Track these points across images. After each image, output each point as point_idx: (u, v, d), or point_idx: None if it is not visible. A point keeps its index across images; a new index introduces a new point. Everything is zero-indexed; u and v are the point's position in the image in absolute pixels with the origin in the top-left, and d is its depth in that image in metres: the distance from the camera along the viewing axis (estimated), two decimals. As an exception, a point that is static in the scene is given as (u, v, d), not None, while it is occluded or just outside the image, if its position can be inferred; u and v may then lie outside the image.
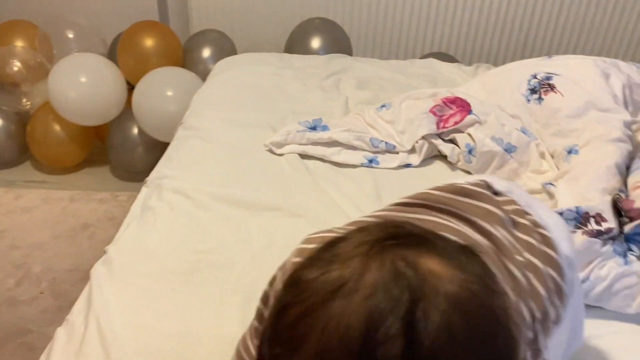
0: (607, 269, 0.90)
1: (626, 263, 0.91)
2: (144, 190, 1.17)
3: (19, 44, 2.28)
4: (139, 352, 0.77)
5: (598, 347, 0.85)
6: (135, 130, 2.21)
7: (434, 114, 1.23)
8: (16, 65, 2.16)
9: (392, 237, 0.44)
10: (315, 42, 2.30)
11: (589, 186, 0.96)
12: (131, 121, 2.20)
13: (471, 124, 1.19)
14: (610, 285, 0.89)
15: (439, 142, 1.21)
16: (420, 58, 2.40)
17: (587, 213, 0.92)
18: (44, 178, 2.30)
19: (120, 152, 2.25)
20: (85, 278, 0.94)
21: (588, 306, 0.91)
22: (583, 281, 0.89)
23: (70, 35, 2.29)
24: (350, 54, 2.34)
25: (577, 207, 0.92)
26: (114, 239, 1.04)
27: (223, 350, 0.79)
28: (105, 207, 2.10)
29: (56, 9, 2.42)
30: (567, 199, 0.94)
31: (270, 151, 1.25)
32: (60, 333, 0.83)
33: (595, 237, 0.90)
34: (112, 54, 2.30)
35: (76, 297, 0.91)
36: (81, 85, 2.08)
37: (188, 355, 0.78)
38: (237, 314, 0.84)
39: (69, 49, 2.28)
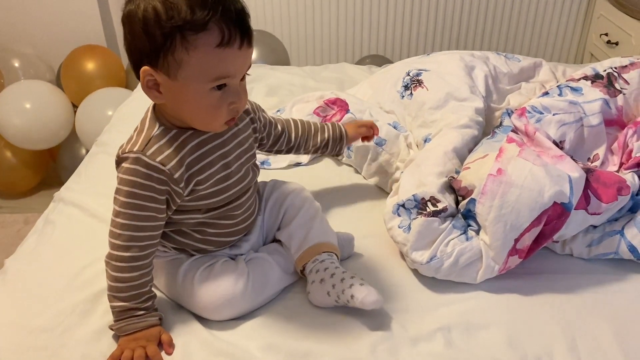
0: (452, 245, 0.99)
1: (467, 239, 0.99)
2: (51, 205, 1.26)
3: (-32, 76, 2.38)
4: (9, 348, 0.86)
5: (457, 311, 0.94)
6: (83, 151, 2.30)
7: (318, 114, 1.32)
8: (-36, 96, 2.25)
9: None
10: (253, 54, 2.40)
11: (427, 171, 1.04)
12: (79, 142, 2.29)
13: (349, 122, 1.28)
14: (455, 261, 0.97)
15: (323, 141, 1.29)
16: (357, 62, 2.50)
17: (423, 198, 1.00)
18: (0, 203, 2.39)
19: (71, 173, 2.29)
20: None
21: (439, 280, 1.00)
22: (431, 259, 0.98)
23: (17, 64, 2.39)
24: (287, 63, 2.43)
25: (414, 195, 1.01)
26: (15, 251, 1.12)
27: (91, 340, 0.88)
28: (56, 226, 2.19)
29: (3, 38, 2.51)
30: (408, 187, 1.03)
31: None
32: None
33: (432, 216, 0.99)
34: (59, 80, 2.40)
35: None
36: (26, 111, 2.17)
37: (53, 348, 0.86)
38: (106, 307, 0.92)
39: (16, 78, 2.38)
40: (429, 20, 2.55)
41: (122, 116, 1.59)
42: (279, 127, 1.10)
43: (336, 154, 1.22)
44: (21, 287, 1.00)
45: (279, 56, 2.39)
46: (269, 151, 1.13)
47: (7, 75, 2.38)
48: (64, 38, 2.52)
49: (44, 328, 0.90)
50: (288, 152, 1.15)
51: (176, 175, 0.85)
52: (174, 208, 0.89)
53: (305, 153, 1.18)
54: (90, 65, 2.30)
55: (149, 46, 0.78)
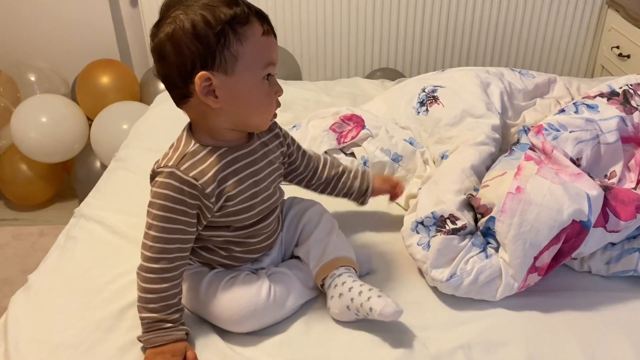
0: (472, 263, 0.99)
1: (487, 257, 1.00)
2: (71, 220, 1.27)
3: (-15, 90, 2.42)
4: (35, 365, 0.87)
5: (476, 328, 0.95)
6: (98, 164, 2.32)
7: (334, 130, 1.34)
8: (-19, 110, 2.29)
9: None
10: (265, 68, 2.42)
11: (445, 189, 1.05)
12: (94, 155, 2.32)
13: (365, 138, 1.29)
14: (475, 279, 0.98)
15: (340, 156, 1.31)
16: (367, 75, 2.52)
17: (442, 216, 1.01)
18: (16, 215, 2.42)
19: (86, 186, 2.34)
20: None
21: (458, 297, 1.00)
22: (451, 276, 0.99)
23: (33, 78, 2.43)
24: (299, 76, 2.46)
25: (432, 213, 1.02)
26: (37, 267, 1.14)
27: (114, 357, 0.89)
28: (71, 238, 2.21)
29: (19, 53, 2.55)
30: (427, 204, 1.04)
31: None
32: (-24, 353, 0.93)
33: (451, 234, 0.99)
34: (74, 93, 2.43)
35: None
36: (42, 125, 2.20)
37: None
38: (132, 323, 0.93)
39: (32, 92, 2.41)
40: (439, 33, 2.56)
41: (140, 132, 1.61)
42: (307, 154, 1.12)
43: (361, 204, 1.19)
44: (45, 303, 1.01)
45: (291, 70, 2.42)
46: (300, 180, 1.13)
47: (23, 89, 2.42)
48: (79, 52, 2.57)
49: (69, 344, 0.91)
50: (316, 187, 1.15)
51: (208, 190, 0.87)
52: (204, 223, 0.91)
53: (330, 194, 1.17)
54: (104, 79, 2.33)
55: (203, 50, 0.82)
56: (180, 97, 0.88)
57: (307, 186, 1.15)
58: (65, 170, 2.48)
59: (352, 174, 1.16)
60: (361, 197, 1.17)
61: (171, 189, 0.86)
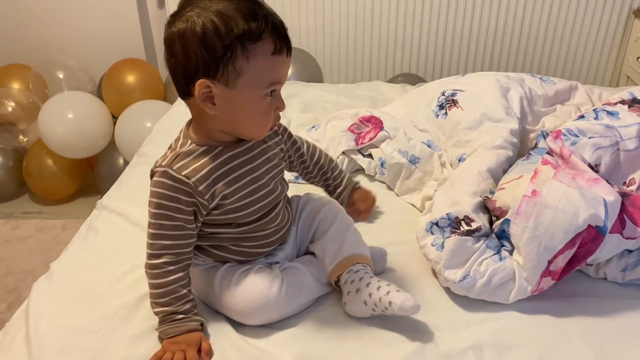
0: (485, 264, 0.99)
1: (501, 259, 1.00)
2: (94, 212, 1.31)
3: (16, 85, 2.49)
4: (54, 348, 0.89)
5: (488, 330, 0.95)
6: (121, 160, 2.37)
7: (352, 131, 1.35)
8: (11, 105, 2.35)
9: None
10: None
11: (461, 191, 1.06)
12: (117, 152, 2.36)
13: (383, 140, 1.30)
14: (488, 281, 0.98)
15: (358, 157, 1.32)
16: (389, 80, 2.53)
17: (457, 217, 1.02)
18: (40, 209, 2.48)
19: (108, 181, 2.38)
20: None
21: (471, 299, 1.01)
22: (464, 277, 0.99)
23: (61, 75, 2.49)
24: (321, 80, 2.48)
25: (447, 214, 1.02)
26: (60, 256, 1.17)
27: (130, 344, 0.91)
28: (92, 233, 2.25)
29: (49, 51, 2.62)
30: (442, 205, 1.04)
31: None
32: (-2, 336, 0.96)
33: (466, 235, 1.00)
34: (100, 91, 2.49)
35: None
36: (68, 121, 2.25)
37: (96, 350, 0.90)
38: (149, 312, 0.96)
39: (60, 88, 2.47)
40: (462, 39, 2.56)
41: (162, 129, 1.64)
42: (303, 149, 1.16)
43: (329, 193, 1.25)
44: (66, 289, 1.04)
45: (312, 73, 2.44)
46: (295, 170, 1.19)
47: (52, 86, 2.48)
48: (106, 51, 2.63)
49: (87, 330, 0.93)
50: (305, 175, 1.21)
51: (200, 188, 0.89)
52: (201, 220, 0.93)
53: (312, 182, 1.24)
54: (130, 78, 2.38)
55: (208, 58, 0.82)
56: (182, 93, 0.89)
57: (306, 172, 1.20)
58: (89, 166, 2.53)
59: (337, 175, 1.21)
60: (333, 193, 1.21)
61: (165, 188, 0.88)
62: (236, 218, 0.95)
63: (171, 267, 0.90)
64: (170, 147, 0.94)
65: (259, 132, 0.93)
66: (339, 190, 1.21)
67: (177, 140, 0.94)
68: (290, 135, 1.11)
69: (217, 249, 0.99)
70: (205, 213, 0.92)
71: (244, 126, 0.90)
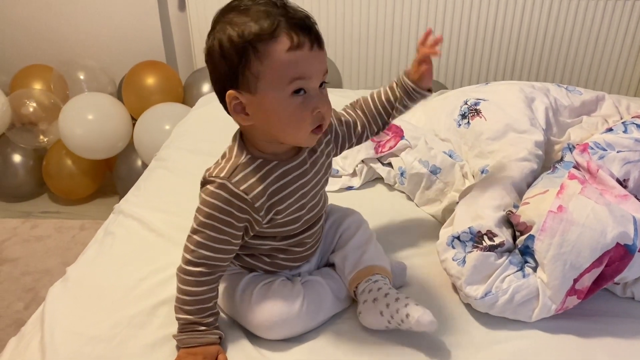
0: (508, 281, 0.97)
1: (524, 276, 0.97)
2: (111, 216, 1.30)
3: (37, 86, 2.51)
4: (68, 356, 0.89)
5: (510, 349, 0.92)
6: (139, 162, 2.38)
7: (372, 139, 1.33)
8: (32, 105, 2.37)
9: None
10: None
11: (484, 204, 1.03)
12: (136, 154, 2.37)
13: (403, 148, 1.28)
14: (511, 298, 0.95)
15: (377, 166, 1.30)
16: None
17: (479, 232, 0.99)
18: (59, 209, 2.49)
19: (126, 183, 2.40)
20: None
21: (492, 316, 0.98)
22: (486, 294, 0.96)
23: (82, 77, 2.50)
24: (340, 85, 2.46)
25: (469, 228, 0.99)
26: (76, 260, 1.17)
27: (144, 353, 0.90)
28: (109, 234, 2.26)
29: (70, 52, 2.64)
30: (464, 218, 1.02)
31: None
32: (12, 342, 0.96)
33: (488, 251, 0.97)
34: (120, 93, 2.50)
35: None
36: (88, 122, 2.26)
37: (110, 358, 0.89)
38: (164, 320, 0.95)
39: (81, 89, 2.49)
40: (484, 46, 2.52)
41: (181, 133, 1.64)
42: (359, 128, 1.05)
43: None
44: (81, 295, 1.03)
45: (331, 78, 2.42)
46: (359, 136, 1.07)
47: (72, 87, 2.49)
48: (127, 53, 2.64)
49: (101, 338, 0.92)
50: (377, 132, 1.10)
51: (257, 204, 0.87)
52: (252, 234, 0.92)
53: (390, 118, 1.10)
54: (150, 80, 2.39)
55: (228, 69, 0.82)
56: (226, 109, 0.88)
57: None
58: (107, 167, 2.54)
59: (383, 95, 1.10)
60: (404, 101, 1.09)
61: (220, 200, 0.86)
62: (282, 232, 0.94)
63: (205, 278, 0.89)
64: (224, 157, 0.91)
65: (299, 136, 0.86)
66: (399, 87, 1.10)
67: (231, 149, 0.91)
68: (340, 121, 1.02)
69: (250, 257, 0.98)
70: (257, 229, 0.91)
71: (280, 132, 0.85)
